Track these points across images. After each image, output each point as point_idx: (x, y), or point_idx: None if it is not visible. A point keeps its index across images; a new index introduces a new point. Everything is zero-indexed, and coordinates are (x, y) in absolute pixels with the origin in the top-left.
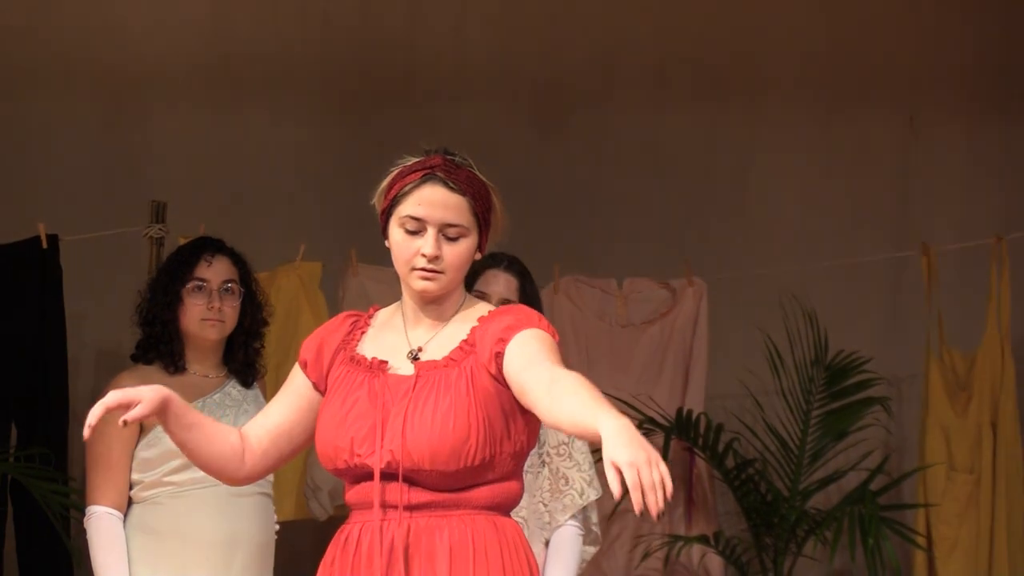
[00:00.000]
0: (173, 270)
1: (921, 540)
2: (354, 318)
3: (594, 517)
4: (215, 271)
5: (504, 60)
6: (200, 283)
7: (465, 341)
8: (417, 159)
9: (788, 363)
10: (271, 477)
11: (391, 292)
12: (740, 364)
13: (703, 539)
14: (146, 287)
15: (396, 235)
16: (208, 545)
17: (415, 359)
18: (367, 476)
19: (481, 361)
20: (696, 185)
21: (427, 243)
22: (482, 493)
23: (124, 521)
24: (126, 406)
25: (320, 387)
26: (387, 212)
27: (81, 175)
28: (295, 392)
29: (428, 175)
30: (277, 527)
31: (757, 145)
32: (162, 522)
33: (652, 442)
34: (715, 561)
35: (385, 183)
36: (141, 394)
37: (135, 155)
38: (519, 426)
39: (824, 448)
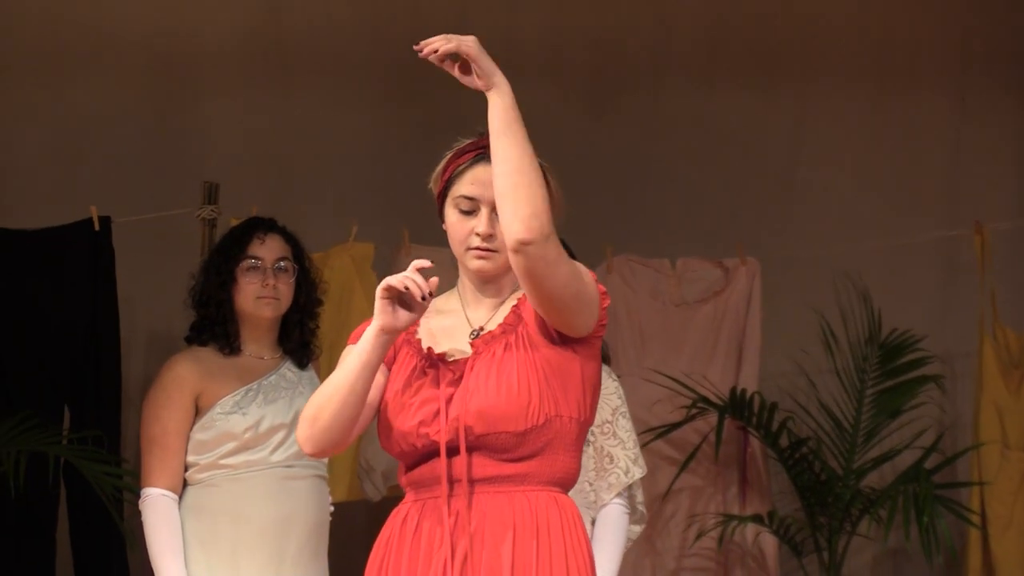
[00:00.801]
0: (226, 250)
1: (975, 518)
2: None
3: (639, 496)
4: (268, 248)
5: (556, 42)
6: (254, 261)
7: (515, 308)
8: (470, 140)
9: (841, 342)
10: (325, 459)
11: (443, 273)
12: (793, 343)
13: (757, 518)
14: (199, 268)
15: (451, 216)
16: (263, 527)
17: (475, 336)
18: (431, 454)
19: (531, 324)
20: (748, 165)
21: (481, 222)
22: (543, 467)
23: (179, 503)
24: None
25: (389, 366)
26: (442, 194)
27: (133, 157)
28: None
29: (480, 155)
30: (331, 508)
31: (808, 125)
32: (217, 504)
33: (706, 422)
34: (769, 540)
35: (440, 166)
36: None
37: (187, 137)
38: (578, 392)
39: (878, 427)
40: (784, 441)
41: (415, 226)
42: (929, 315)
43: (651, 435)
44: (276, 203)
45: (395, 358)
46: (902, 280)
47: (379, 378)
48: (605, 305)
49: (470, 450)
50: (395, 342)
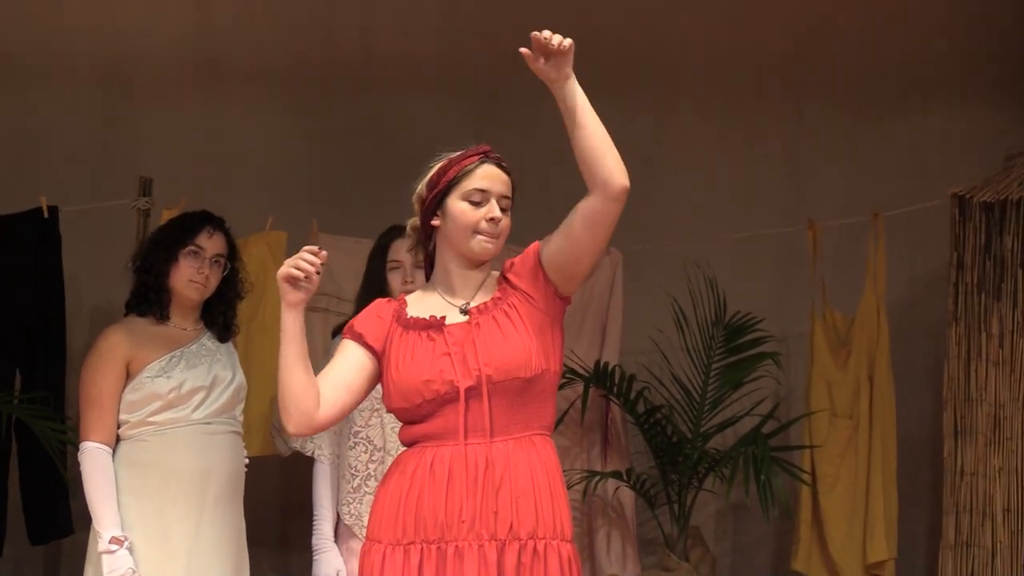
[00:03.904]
0: (176, 231)
1: (806, 477)
2: (392, 301)
3: None
4: (212, 243)
5: (446, 58)
6: (196, 249)
7: (501, 283)
8: (465, 150)
9: (691, 322)
10: (240, 416)
11: (348, 259)
12: (650, 323)
13: (617, 475)
14: (147, 240)
15: (459, 207)
16: (186, 476)
17: (464, 312)
18: (447, 403)
19: (521, 293)
20: None
21: (493, 208)
22: (539, 414)
23: (113, 455)
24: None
25: (377, 350)
26: (443, 192)
27: (78, 154)
28: (350, 357)
29: (484, 158)
30: (247, 461)
31: (665, 133)
32: (146, 457)
33: (573, 390)
34: (627, 494)
35: (433, 173)
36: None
37: (125, 136)
38: (557, 350)
39: (722, 396)
40: (641, 408)
41: (323, 217)
42: (767, 300)
43: None
44: (203, 196)
45: (388, 340)
46: (744, 269)
47: (365, 363)
48: None
49: (488, 396)
50: (387, 323)
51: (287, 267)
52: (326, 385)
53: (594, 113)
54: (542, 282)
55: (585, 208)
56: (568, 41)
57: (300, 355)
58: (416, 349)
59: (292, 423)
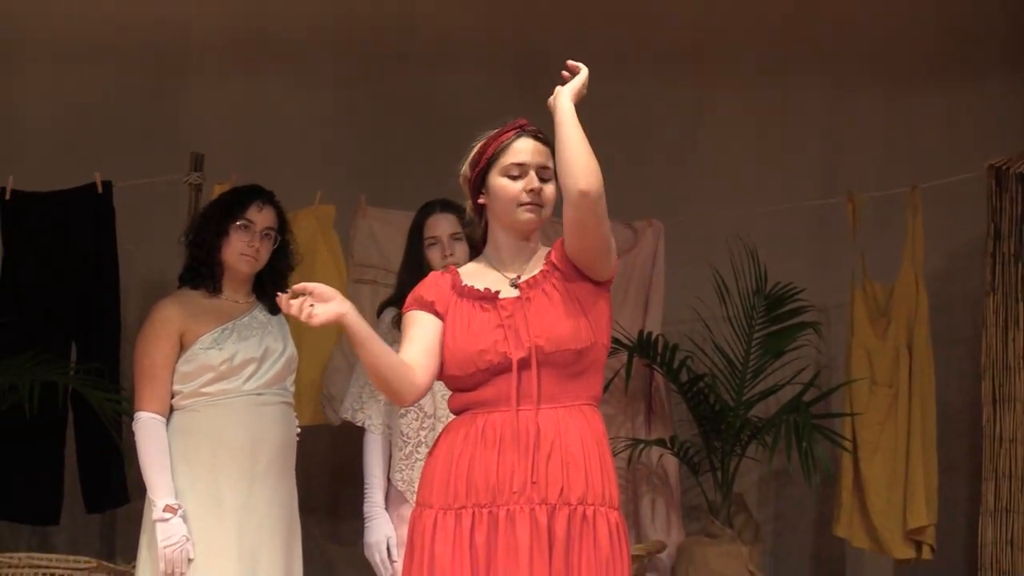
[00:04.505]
0: (227, 206)
1: (847, 444)
2: (444, 272)
3: None
4: (262, 216)
5: (490, 33)
6: (247, 223)
7: (548, 259)
8: (501, 127)
9: (733, 293)
10: (292, 387)
11: (395, 233)
12: (692, 294)
13: (661, 442)
14: (199, 214)
15: (500, 183)
16: (237, 446)
17: (515, 286)
18: (502, 372)
19: (567, 269)
20: (655, 142)
21: (532, 180)
22: (589, 384)
23: (167, 425)
24: (310, 293)
25: (444, 316)
26: (483, 171)
27: (132, 131)
28: (427, 324)
29: (520, 132)
30: (298, 430)
31: (706, 107)
32: (198, 427)
33: (617, 360)
34: (671, 461)
35: (474, 153)
36: (327, 297)
37: (177, 113)
38: (604, 323)
39: (764, 365)
40: (684, 377)
41: (371, 191)
42: (808, 270)
43: None
44: (252, 171)
45: (448, 308)
46: (785, 240)
47: (440, 327)
48: (616, 259)
49: (538, 366)
50: (447, 292)
51: (312, 318)
52: (418, 354)
53: (574, 124)
54: (577, 267)
55: (563, 214)
56: (586, 72)
57: (380, 345)
58: (471, 319)
59: (404, 398)
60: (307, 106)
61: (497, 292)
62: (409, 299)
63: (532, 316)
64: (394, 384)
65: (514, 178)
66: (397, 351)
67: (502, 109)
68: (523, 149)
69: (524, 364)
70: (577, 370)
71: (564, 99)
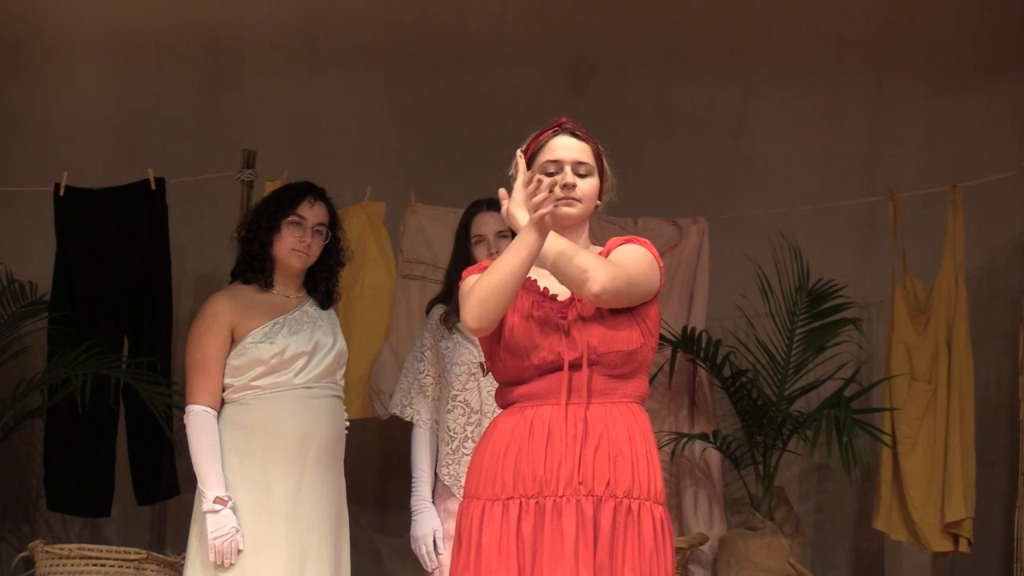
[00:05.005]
0: (280, 201)
1: (887, 439)
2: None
3: None
4: (314, 212)
5: (539, 33)
6: (299, 219)
7: None
8: (541, 128)
9: (776, 290)
10: (341, 381)
11: (444, 230)
12: (736, 290)
13: (704, 436)
14: (251, 210)
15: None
16: (287, 438)
17: None
18: (552, 369)
19: None
20: (699, 140)
21: (566, 175)
22: (635, 384)
23: (217, 418)
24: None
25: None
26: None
27: (184, 128)
28: None
29: (557, 130)
30: (347, 423)
31: (750, 107)
32: (249, 419)
33: (662, 355)
34: (714, 455)
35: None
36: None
37: (229, 111)
38: (653, 326)
39: (806, 361)
40: (727, 372)
41: (420, 189)
42: (850, 267)
43: None
44: (303, 168)
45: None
46: (827, 238)
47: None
48: (660, 265)
49: (590, 365)
50: None
51: (535, 211)
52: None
53: (545, 244)
54: None
55: None
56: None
57: (528, 270)
58: (527, 315)
59: (486, 321)
60: (358, 104)
61: (555, 295)
62: (476, 268)
63: (585, 315)
64: (499, 303)
65: (551, 175)
66: (443, 348)
67: (551, 108)
68: (559, 146)
69: (575, 363)
70: (627, 370)
71: (519, 225)
